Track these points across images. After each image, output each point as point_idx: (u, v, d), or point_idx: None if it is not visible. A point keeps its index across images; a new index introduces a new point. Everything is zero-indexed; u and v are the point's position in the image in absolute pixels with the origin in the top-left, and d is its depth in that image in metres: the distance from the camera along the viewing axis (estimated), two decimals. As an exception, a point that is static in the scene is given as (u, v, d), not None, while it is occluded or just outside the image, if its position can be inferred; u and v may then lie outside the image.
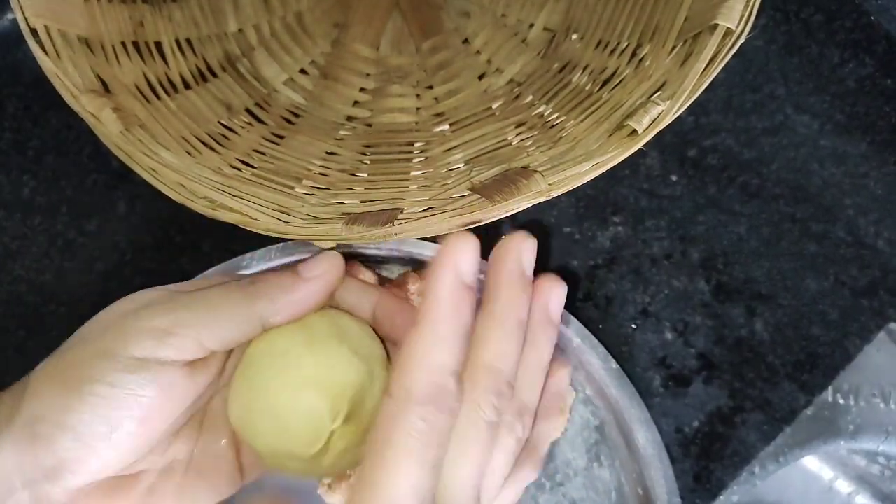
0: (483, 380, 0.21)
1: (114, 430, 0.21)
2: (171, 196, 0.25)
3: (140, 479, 0.23)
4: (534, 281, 0.24)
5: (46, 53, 0.25)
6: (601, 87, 0.29)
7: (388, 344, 0.27)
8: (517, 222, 0.36)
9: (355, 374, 0.24)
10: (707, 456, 0.34)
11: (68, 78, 0.25)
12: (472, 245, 0.21)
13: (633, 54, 0.29)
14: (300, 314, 0.24)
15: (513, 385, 0.22)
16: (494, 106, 0.34)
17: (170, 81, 0.31)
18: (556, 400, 0.26)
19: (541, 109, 0.32)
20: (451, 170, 0.31)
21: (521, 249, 0.23)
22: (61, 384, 0.21)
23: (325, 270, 0.24)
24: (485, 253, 0.23)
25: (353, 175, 0.32)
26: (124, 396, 0.21)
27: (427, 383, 0.19)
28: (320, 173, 0.31)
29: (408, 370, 0.20)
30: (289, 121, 0.35)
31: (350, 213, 0.26)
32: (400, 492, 0.18)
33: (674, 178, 0.36)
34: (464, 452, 0.20)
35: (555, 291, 0.25)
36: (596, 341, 0.33)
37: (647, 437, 0.32)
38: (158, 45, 0.32)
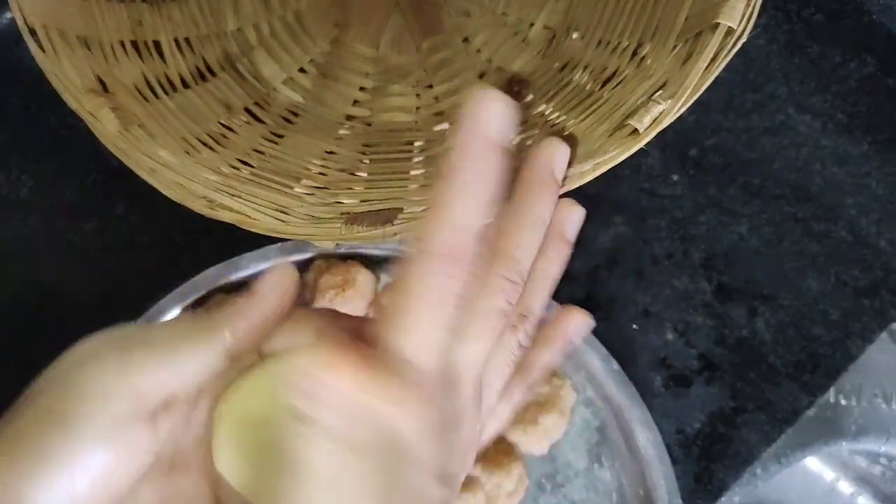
0: (501, 265, 0.21)
1: (73, 498, 0.18)
2: (169, 196, 0.25)
3: None
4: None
5: (45, 53, 0.24)
6: (602, 87, 0.29)
7: None
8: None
9: None
10: (708, 457, 0.34)
11: (67, 77, 0.25)
12: (503, 104, 0.19)
13: (634, 53, 0.29)
14: (263, 334, 0.22)
15: (524, 280, 0.22)
16: (495, 105, 0.34)
17: (168, 81, 0.31)
18: (559, 333, 0.26)
19: (541, 108, 0.32)
20: (451, 169, 0.30)
21: (555, 154, 0.23)
22: (12, 458, 0.19)
23: (276, 282, 0.22)
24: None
25: (353, 175, 0.32)
26: (79, 463, 0.18)
27: (450, 239, 0.18)
28: (319, 173, 0.31)
29: (432, 224, 0.19)
30: (288, 120, 0.34)
31: (349, 213, 0.26)
32: (415, 343, 0.18)
33: (675, 177, 0.36)
34: (474, 334, 0.20)
35: (574, 211, 0.24)
36: (597, 342, 0.33)
37: (648, 438, 0.32)
38: (157, 44, 0.32)
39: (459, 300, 0.18)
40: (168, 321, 0.22)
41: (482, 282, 0.20)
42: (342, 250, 0.33)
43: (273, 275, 0.22)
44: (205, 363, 0.20)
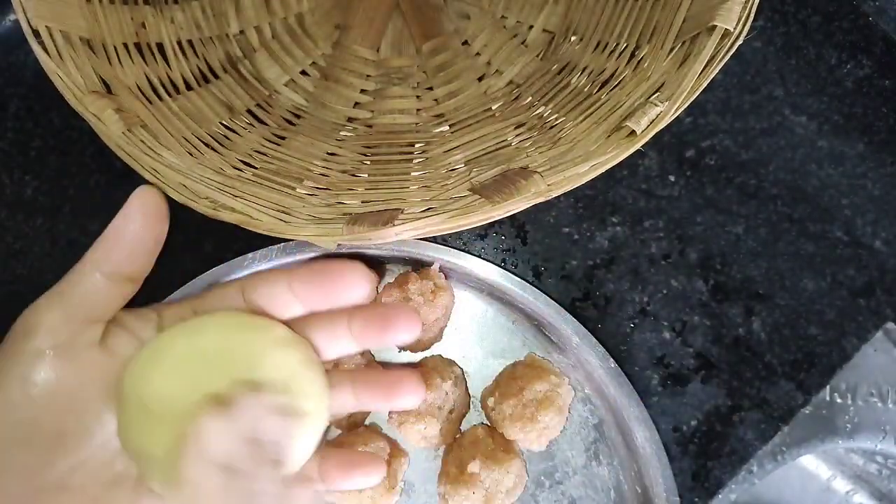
0: None
1: (14, 429, 0.23)
2: (172, 196, 0.25)
3: (81, 493, 0.24)
4: None
5: (48, 54, 0.25)
6: (600, 89, 0.30)
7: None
8: (516, 222, 0.36)
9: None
10: (705, 454, 0.34)
11: (70, 79, 0.25)
12: (219, 424, 0.23)
13: (632, 56, 0.30)
14: (137, 257, 0.25)
15: None
16: (494, 107, 0.35)
17: (171, 82, 0.31)
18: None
19: (540, 110, 0.32)
20: (451, 170, 0.31)
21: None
22: None
23: (134, 202, 0.25)
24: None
25: (354, 176, 0.32)
26: (14, 395, 0.23)
27: None
28: (321, 174, 0.31)
29: None
30: (290, 122, 0.35)
31: (351, 214, 0.27)
32: None
33: (672, 178, 0.36)
34: None
35: None
36: (594, 340, 0.33)
37: (645, 436, 0.33)
38: (160, 46, 0.32)
39: None
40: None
41: None
42: (344, 250, 0.33)
43: (131, 200, 0.25)
44: (87, 291, 0.25)
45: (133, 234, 0.25)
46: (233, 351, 0.25)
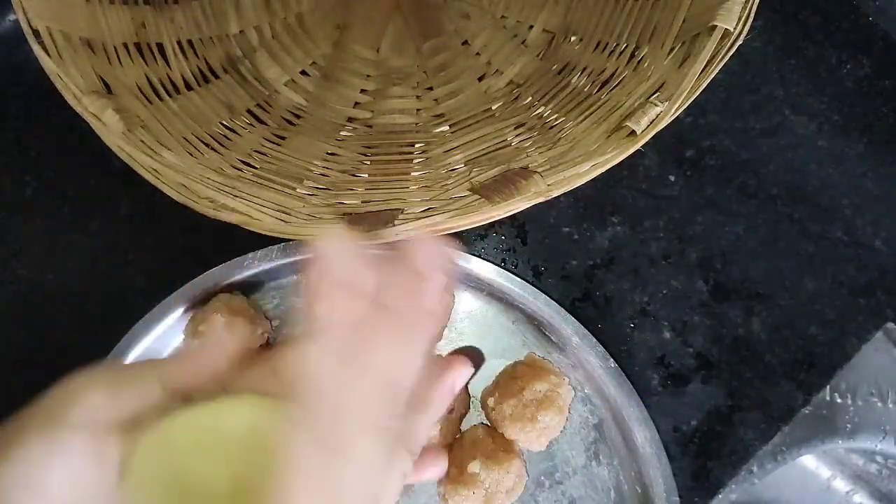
0: None
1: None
2: (173, 196, 0.25)
3: None
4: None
5: (49, 55, 0.25)
6: (600, 89, 0.30)
7: None
8: (516, 222, 0.36)
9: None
10: (705, 454, 0.34)
11: (70, 79, 0.25)
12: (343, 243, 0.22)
13: (632, 56, 0.30)
14: (201, 378, 0.25)
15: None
16: (494, 107, 0.35)
17: (171, 83, 0.31)
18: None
19: (540, 110, 0.32)
20: (451, 170, 0.31)
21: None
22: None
23: (229, 340, 0.25)
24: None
25: (354, 175, 0.32)
26: (45, 463, 0.22)
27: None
28: (321, 174, 0.31)
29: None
30: (290, 122, 0.35)
31: (351, 214, 0.27)
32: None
33: (672, 178, 0.36)
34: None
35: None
36: (594, 340, 0.33)
37: (645, 436, 0.33)
38: (160, 46, 0.32)
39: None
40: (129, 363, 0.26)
41: None
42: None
43: (213, 337, 0.26)
44: (139, 393, 0.24)
45: (213, 367, 0.25)
46: (252, 446, 0.24)
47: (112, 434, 0.23)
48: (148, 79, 0.30)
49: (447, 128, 0.34)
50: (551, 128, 0.30)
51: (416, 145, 0.34)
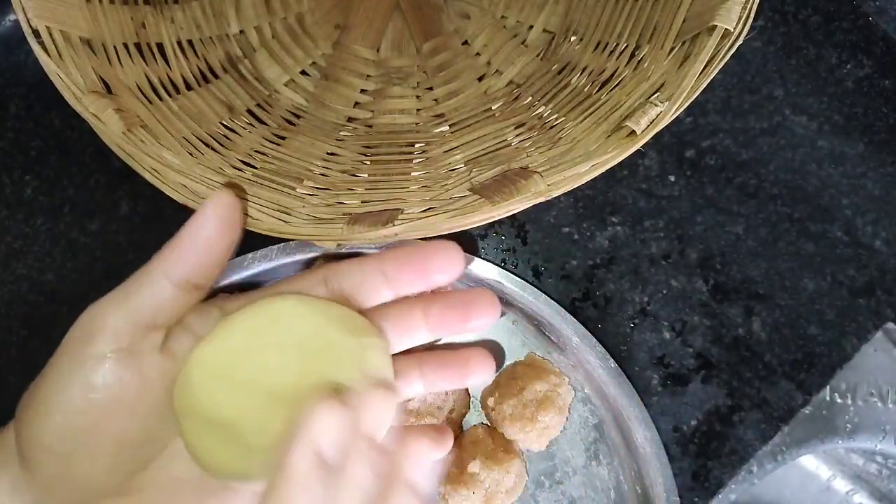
0: None
1: (75, 437, 0.22)
2: (173, 196, 0.25)
3: (143, 499, 0.23)
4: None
5: (48, 54, 0.25)
6: (600, 89, 0.30)
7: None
8: (516, 222, 0.36)
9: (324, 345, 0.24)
10: (705, 454, 0.34)
11: (70, 79, 0.25)
12: (336, 416, 0.21)
13: (632, 55, 0.30)
14: (207, 262, 0.24)
15: None
16: (494, 107, 0.35)
17: (171, 82, 0.31)
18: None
19: (540, 110, 0.32)
20: (451, 170, 0.31)
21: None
22: (33, 406, 0.23)
23: (209, 208, 0.24)
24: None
25: (354, 176, 0.32)
26: (84, 400, 0.22)
27: None
28: (321, 174, 0.31)
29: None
30: (290, 122, 0.35)
31: (351, 214, 0.27)
32: None
33: (672, 178, 0.36)
34: None
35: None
36: (594, 340, 0.33)
37: (645, 436, 0.33)
38: (160, 46, 0.32)
39: None
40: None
41: None
42: (344, 250, 0.33)
43: (208, 202, 0.24)
44: (152, 297, 0.23)
45: (206, 242, 0.24)
46: (309, 341, 0.24)
47: (142, 349, 0.23)
48: (148, 79, 0.30)
49: (447, 128, 0.34)
50: (551, 128, 0.30)
51: (416, 145, 0.34)
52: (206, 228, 0.24)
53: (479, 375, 0.27)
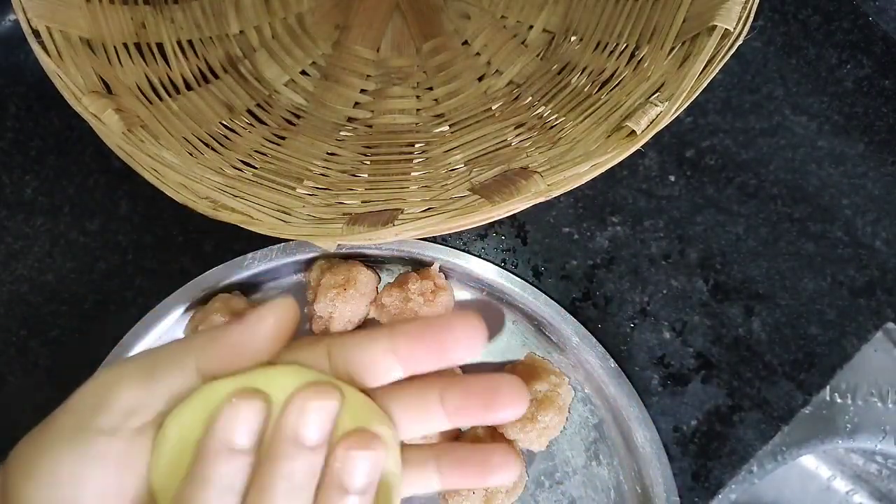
0: None
1: None
2: (172, 196, 0.25)
3: None
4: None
5: (48, 54, 0.25)
6: (600, 89, 0.30)
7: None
8: (516, 222, 0.36)
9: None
10: (705, 454, 0.34)
11: (70, 79, 0.25)
12: (250, 411, 0.20)
13: (632, 56, 0.30)
14: (241, 363, 0.22)
15: None
16: (494, 107, 0.35)
17: (171, 82, 0.31)
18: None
19: (540, 110, 0.32)
20: (451, 170, 0.31)
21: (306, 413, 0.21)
22: (22, 464, 0.21)
23: (270, 315, 0.22)
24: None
25: (354, 176, 0.32)
26: (76, 476, 0.20)
27: None
28: (321, 174, 0.31)
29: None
30: (290, 122, 0.35)
31: (351, 214, 0.27)
32: None
33: (672, 178, 0.36)
34: None
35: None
36: (594, 340, 0.33)
37: (645, 436, 0.33)
38: (160, 46, 0.32)
39: None
40: (156, 347, 0.23)
41: None
42: (344, 250, 0.33)
43: (268, 306, 0.22)
44: (175, 381, 0.21)
45: (250, 351, 0.22)
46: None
47: (147, 433, 0.21)
48: (148, 79, 0.30)
49: (447, 128, 0.34)
50: (551, 128, 0.30)
51: (416, 145, 0.34)
52: (257, 338, 0.22)
53: (502, 476, 0.24)
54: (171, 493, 0.21)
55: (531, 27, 0.36)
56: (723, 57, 0.23)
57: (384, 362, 0.22)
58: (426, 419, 0.23)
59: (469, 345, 0.22)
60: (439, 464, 0.24)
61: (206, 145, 0.29)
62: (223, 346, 0.21)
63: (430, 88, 0.37)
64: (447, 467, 0.24)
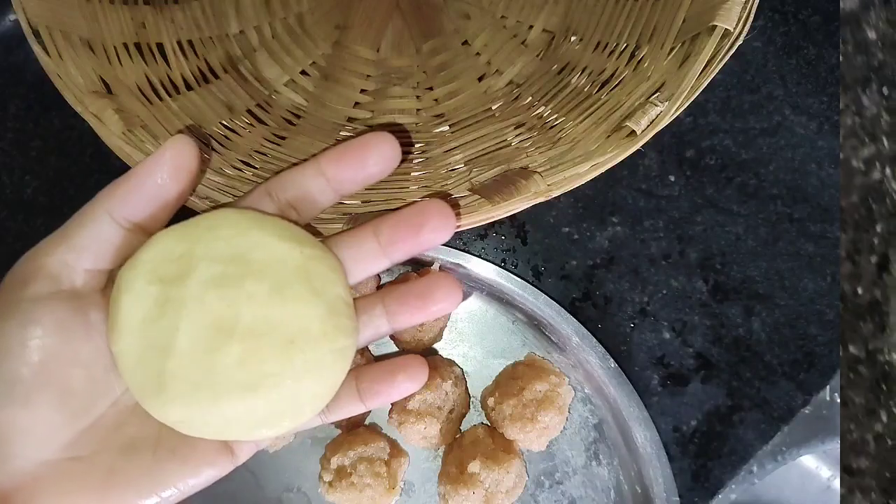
0: None
1: (13, 386, 0.20)
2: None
3: (94, 461, 0.21)
4: None
5: (48, 54, 0.25)
6: (600, 89, 0.30)
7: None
8: (516, 222, 0.36)
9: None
10: (705, 454, 0.34)
11: (70, 79, 0.25)
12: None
13: (632, 56, 0.30)
14: (153, 203, 0.22)
15: None
16: (494, 107, 0.35)
17: (171, 82, 0.31)
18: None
19: (540, 110, 0.32)
20: (451, 170, 0.31)
21: None
22: None
23: (166, 150, 0.22)
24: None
25: (354, 175, 0.32)
26: (15, 344, 0.20)
27: None
28: (321, 174, 0.31)
29: None
30: (290, 122, 0.35)
31: (351, 213, 0.27)
32: None
33: (672, 178, 0.36)
34: None
35: None
36: (594, 340, 0.33)
37: (645, 436, 0.33)
38: (160, 46, 0.32)
39: None
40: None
41: None
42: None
43: (163, 149, 0.22)
44: (97, 234, 0.22)
45: (156, 188, 0.22)
46: (250, 252, 0.22)
47: (84, 291, 0.22)
48: (148, 79, 0.30)
49: (447, 128, 0.34)
50: (551, 128, 0.30)
51: (416, 145, 0.34)
52: (159, 174, 0.22)
53: (444, 303, 0.25)
54: (134, 352, 0.21)
55: (531, 27, 0.36)
56: (723, 57, 0.23)
57: (317, 185, 0.24)
58: (365, 258, 0.24)
59: (384, 159, 0.24)
60: (385, 303, 0.25)
61: (206, 145, 0.29)
62: (129, 190, 0.22)
63: (430, 88, 0.37)
64: (392, 304, 0.25)
